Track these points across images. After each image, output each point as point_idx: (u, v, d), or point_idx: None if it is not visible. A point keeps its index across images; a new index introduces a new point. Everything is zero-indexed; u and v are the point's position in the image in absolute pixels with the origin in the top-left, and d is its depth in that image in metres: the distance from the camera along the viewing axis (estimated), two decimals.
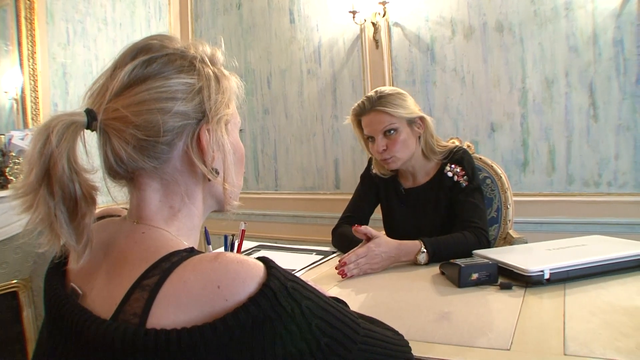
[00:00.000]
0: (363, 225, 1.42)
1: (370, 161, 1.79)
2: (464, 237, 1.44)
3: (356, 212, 1.75)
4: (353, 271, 1.32)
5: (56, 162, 0.53)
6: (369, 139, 1.62)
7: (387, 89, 1.59)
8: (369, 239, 1.39)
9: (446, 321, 0.97)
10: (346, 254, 1.36)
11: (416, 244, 1.39)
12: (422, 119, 1.59)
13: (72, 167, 0.54)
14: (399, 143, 1.55)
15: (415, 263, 1.39)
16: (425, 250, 1.37)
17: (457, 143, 1.80)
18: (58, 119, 0.55)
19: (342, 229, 1.66)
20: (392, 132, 1.55)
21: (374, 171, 1.73)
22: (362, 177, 1.82)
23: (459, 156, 1.60)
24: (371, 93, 1.59)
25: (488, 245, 1.46)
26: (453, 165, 1.59)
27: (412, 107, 1.58)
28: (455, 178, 1.57)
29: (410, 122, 1.58)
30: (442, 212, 1.60)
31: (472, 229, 1.47)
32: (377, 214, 1.80)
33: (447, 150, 1.63)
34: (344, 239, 1.59)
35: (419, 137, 1.61)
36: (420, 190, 1.65)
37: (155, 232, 0.61)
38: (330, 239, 1.69)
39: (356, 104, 1.62)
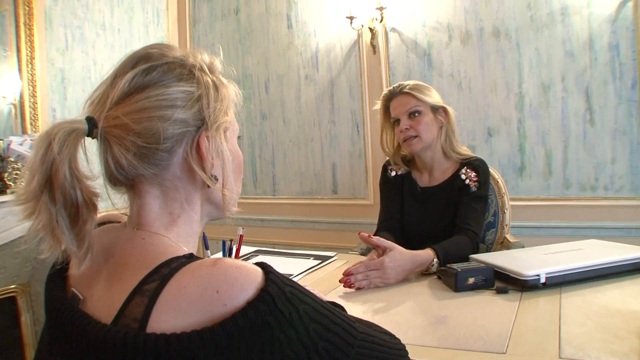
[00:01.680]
0: (380, 233, 1.42)
1: (385, 167, 1.82)
2: (464, 242, 1.47)
3: (390, 215, 1.75)
4: (362, 283, 1.27)
5: (58, 169, 0.54)
6: (394, 124, 1.69)
7: (413, 81, 1.71)
8: (379, 248, 1.35)
9: (443, 325, 0.98)
10: (353, 265, 1.31)
11: (429, 255, 1.35)
12: (445, 110, 1.67)
13: (73, 174, 0.55)
14: (422, 124, 1.63)
15: (426, 272, 1.36)
16: (437, 260, 1.35)
17: None
18: (59, 126, 0.56)
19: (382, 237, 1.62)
20: (416, 114, 1.64)
21: (390, 173, 1.77)
22: (381, 183, 1.83)
23: (477, 164, 1.65)
24: (400, 82, 1.71)
25: (477, 250, 1.50)
26: (469, 170, 1.63)
27: (436, 97, 1.68)
28: (467, 182, 1.61)
29: (434, 109, 1.66)
30: (449, 213, 1.63)
31: (466, 231, 1.51)
32: None
33: (468, 155, 1.69)
34: None
35: (441, 129, 1.68)
36: (435, 190, 1.69)
37: (155, 238, 0.62)
38: (328, 244, 1.69)
39: (387, 90, 1.73)
